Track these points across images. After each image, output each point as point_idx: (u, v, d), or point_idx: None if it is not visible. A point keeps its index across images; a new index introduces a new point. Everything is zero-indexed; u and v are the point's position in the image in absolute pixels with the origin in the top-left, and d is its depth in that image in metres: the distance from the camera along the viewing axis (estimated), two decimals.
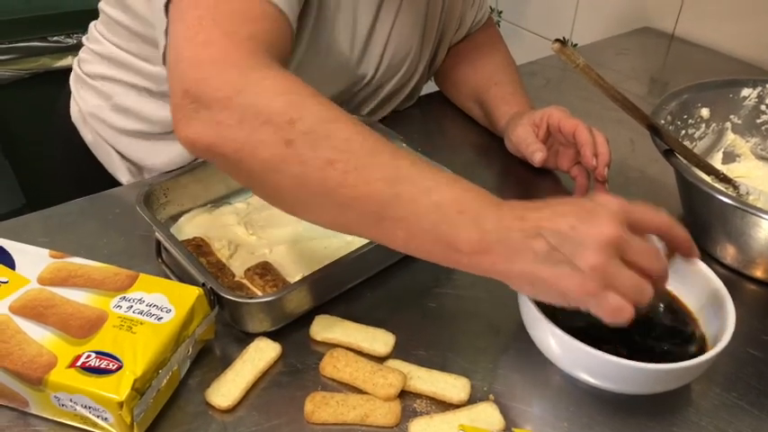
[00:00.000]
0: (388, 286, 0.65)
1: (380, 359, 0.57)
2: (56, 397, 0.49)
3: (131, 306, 0.53)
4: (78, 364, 0.49)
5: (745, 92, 0.80)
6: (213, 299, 0.56)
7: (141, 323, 0.52)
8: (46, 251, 0.58)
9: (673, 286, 0.61)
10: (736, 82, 0.81)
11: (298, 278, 0.61)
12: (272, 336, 0.58)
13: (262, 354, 0.56)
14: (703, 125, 0.80)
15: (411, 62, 0.89)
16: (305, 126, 0.46)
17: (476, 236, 0.45)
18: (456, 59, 0.98)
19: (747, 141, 0.83)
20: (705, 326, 0.57)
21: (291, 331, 0.60)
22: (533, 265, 0.45)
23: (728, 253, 0.69)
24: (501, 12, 1.55)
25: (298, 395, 0.54)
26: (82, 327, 0.51)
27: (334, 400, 0.53)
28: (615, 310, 0.45)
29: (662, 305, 0.60)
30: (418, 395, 0.55)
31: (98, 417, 0.49)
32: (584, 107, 0.99)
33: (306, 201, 0.49)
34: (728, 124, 0.82)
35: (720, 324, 0.54)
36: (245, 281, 0.63)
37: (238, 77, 0.48)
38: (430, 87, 1.03)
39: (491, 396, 0.55)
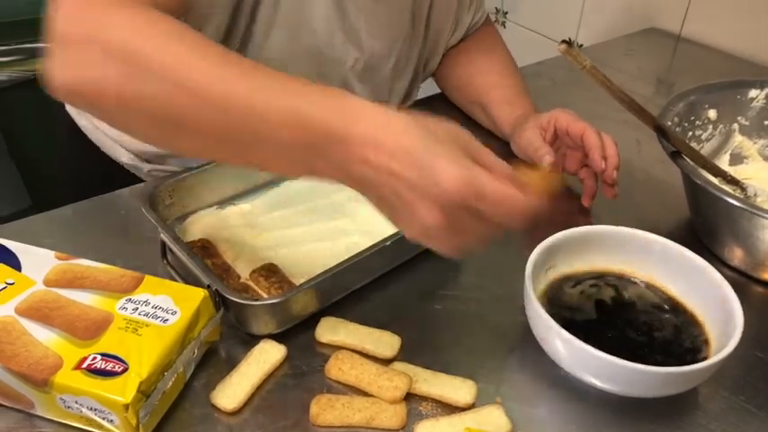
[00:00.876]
0: (393, 289, 0.65)
1: (386, 361, 0.57)
2: (61, 399, 0.49)
3: (137, 308, 0.53)
4: (84, 366, 0.49)
5: (753, 93, 0.80)
6: (218, 301, 0.56)
7: (147, 325, 0.52)
8: (52, 253, 0.58)
9: (679, 289, 0.61)
10: (743, 83, 0.81)
11: (303, 280, 0.61)
12: (278, 338, 0.58)
13: (267, 356, 0.56)
14: (710, 126, 0.79)
15: (399, 56, 0.88)
16: (153, 61, 0.47)
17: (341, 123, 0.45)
18: (455, 61, 0.98)
19: (755, 143, 0.82)
20: (712, 329, 0.57)
21: (297, 333, 0.59)
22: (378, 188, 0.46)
23: (736, 255, 0.69)
24: (506, 12, 1.55)
25: (303, 397, 0.54)
26: (88, 328, 0.51)
27: (339, 402, 0.53)
28: (450, 250, 0.47)
29: (667, 306, 0.60)
30: (424, 398, 0.54)
31: (103, 419, 0.49)
32: (590, 108, 0.98)
33: (166, 132, 0.50)
34: (736, 126, 0.81)
35: (728, 327, 0.54)
36: (250, 282, 0.63)
37: (99, 16, 0.49)
38: (433, 89, 1.03)
39: (498, 399, 0.54)
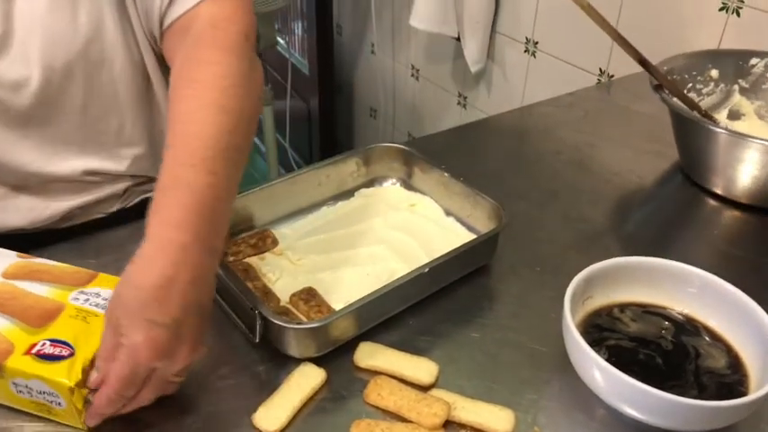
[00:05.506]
0: (431, 315, 0.66)
1: (424, 388, 0.57)
2: (14, 383, 0.51)
3: (88, 299, 0.56)
4: (33, 351, 0.51)
5: (754, 61, 0.89)
6: (261, 324, 0.57)
7: (96, 315, 0.54)
8: (14, 253, 0.61)
9: (718, 322, 0.61)
10: (745, 53, 0.91)
11: (341, 304, 0.62)
12: (316, 362, 0.59)
13: (307, 379, 0.57)
14: (712, 84, 0.89)
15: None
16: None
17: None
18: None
19: (753, 103, 0.91)
20: (752, 363, 0.57)
21: (334, 357, 0.60)
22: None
23: (718, 182, 0.80)
24: (537, 42, 1.56)
25: (342, 421, 0.54)
26: (40, 317, 0.54)
27: (379, 427, 0.53)
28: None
29: (706, 338, 0.60)
30: (462, 425, 0.55)
31: (52, 402, 0.51)
32: (622, 138, 0.99)
33: None
34: (736, 86, 0.91)
35: None
36: (290, 306, 0.64)
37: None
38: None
39: (536, 428, 0.55)
